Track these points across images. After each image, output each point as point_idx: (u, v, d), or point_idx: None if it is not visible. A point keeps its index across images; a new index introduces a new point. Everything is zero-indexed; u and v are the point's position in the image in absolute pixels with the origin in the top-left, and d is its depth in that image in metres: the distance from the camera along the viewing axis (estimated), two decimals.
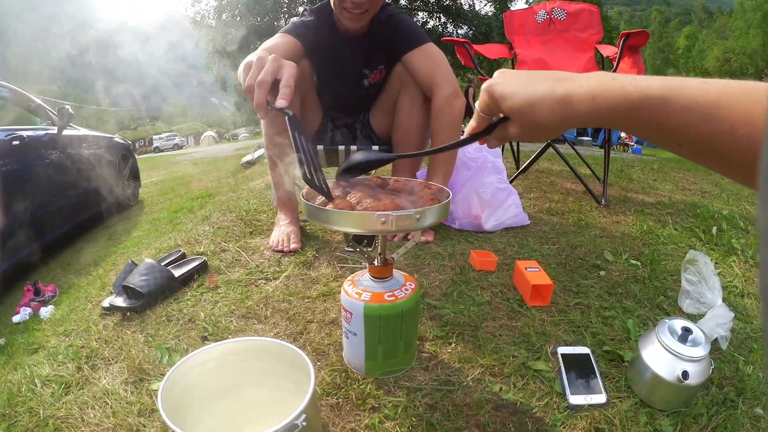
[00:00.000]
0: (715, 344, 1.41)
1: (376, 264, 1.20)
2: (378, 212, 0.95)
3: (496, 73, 0.80)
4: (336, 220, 0.99)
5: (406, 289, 1.20)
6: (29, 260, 3.85)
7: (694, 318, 1.55)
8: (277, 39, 1.99)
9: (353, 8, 1.99)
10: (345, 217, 0.97)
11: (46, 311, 2.85)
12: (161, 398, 0.89)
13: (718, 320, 1.44)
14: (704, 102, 0.59)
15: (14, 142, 3.89)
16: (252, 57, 1.23)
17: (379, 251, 1.19)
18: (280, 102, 1.04)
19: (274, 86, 1.06)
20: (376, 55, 2.23)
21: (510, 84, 0.76)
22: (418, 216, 0.97)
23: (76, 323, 1.79)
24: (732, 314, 1.47)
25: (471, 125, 0.87)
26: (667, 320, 1.21)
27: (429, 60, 2.10)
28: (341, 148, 2.23)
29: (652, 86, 0.63)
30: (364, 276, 1.24)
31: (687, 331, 1.17)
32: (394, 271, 1.25)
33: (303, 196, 1.11)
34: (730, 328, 1.44)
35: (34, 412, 1.26)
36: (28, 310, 3.03)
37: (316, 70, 2.18)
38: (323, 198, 1.06)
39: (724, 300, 1.56)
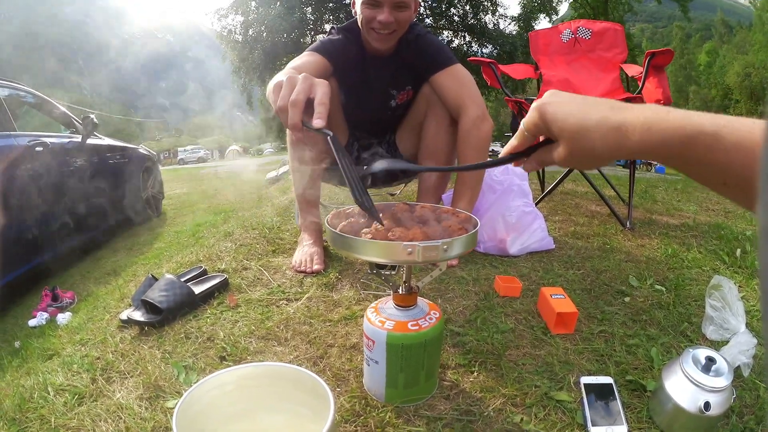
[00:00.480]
0: (737, 371, 1.37)
1: (400, 292, 1.18)
2: (404, 243, 0.94)
3: (549, 93, 0.78)
4: (361, 249, 0.97)
5: (431, 318, 1.18)
6: (48, 265, 3.89)
7: (718, 345, 1.52)
8: (305, 57, 1.99)
9: (381, 29, 1.99)
10: (370, 246, 0.96)
11: (63, 318, 2.87)
12: (177, 418, 0.88)
13: (741, 347, 1.41)
14: (750, 141, 0.57)
15: (37, 148, 3.93)
16: (281, 77, 1.22)
17: (404, 279, 1.17)
18: (318, 122, 1.01)
19: (308, 105, 1.03)
20: (404, 75, 2.23)
21: (563, 106, 0.74)
22: (445, 247, 0.95)
23: (92, 333, 1.79)
24: (755, 341, 1.44)
25: (512, 144, 0.84)
26: (691, 350, 1.18)
27: (457, 81, 2.09)
28: (366, 168, 2.22)
29: (704, 122, 0.61)
30: (388, 303, 1.21)
31: (711, 360, 1.14)
32: (419, 298, 1.22)
33: (328, 223, 1.09)
34: (752, 355, 1.41)
35: (46, 420, 1.26)
36: (45, 315, 3.05)
37: (343, 89, 2.17)
38: (345, 224, 1.04)
39: (747, 325, 1.53)
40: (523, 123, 0.80)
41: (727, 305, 1.57)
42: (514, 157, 0.85)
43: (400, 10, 1.98)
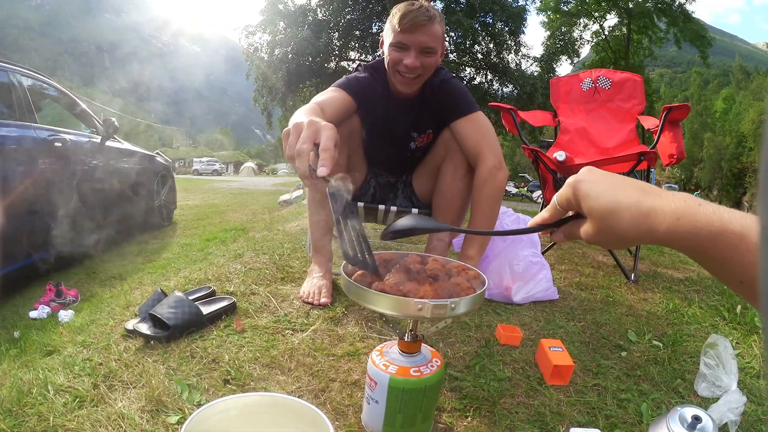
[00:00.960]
0: (724, 428, 1.40)
1: (405, 339, 1.22)
2: (415, 299, 0.98)
3: (584, 170, 0.79)
4: (374, 301, 1.01)
5: (432, 366, 1.22)
6: (54, 261, 3.90)
7: (708, 402, 1.55)
8: (330, 93, 2.02)
9: (406, 72, 2.02)
10: (383, 299, 1.00)
11: (65, 315, 2.89)
12: None
13: (730, 405, 1.44)
14: None
15: (56, 144, 3.98)
16: (296, 118, 1.25)
17: (410, 328, 1.21)
18: (321, 170, 1.02)
19: (318, 150, 1.05)
20: (426, 119, 2.25)
21: (596, 184, 0.75)
22: (453, 305, 0.99)
23: (95, 337, 1.80)
24: (744, 399, 1.47)
25: (542, 215, 0.86)
26: (679, 408, 1.21)
27: (477, 130, 2.12)
28: (381, 207, 2.26)
29: (732, 220, 0.62)
30: (393, 348, 1.25)
31: (696, 419, 1.17)
32: (422, 345, 1.26)
33: (343, 270, 1.13)
34: (741, 413, 1.43)
35: (44, 418, 1.27)
36: (47, 309, 3.09)
37: (365, 127, 2.20)
38: (360, 273, 1.08)
39: (739, 383, 1.56)
40: (556, 197, 0.82)
41: (721, 363, 1.61)
42: (542, 228, 0.87)
43: (427, 55, 2.01)
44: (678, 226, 0.66)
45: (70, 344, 1.79)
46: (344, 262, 1.17)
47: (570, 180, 0.79)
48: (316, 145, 1.05)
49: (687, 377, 1.72)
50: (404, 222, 0.97)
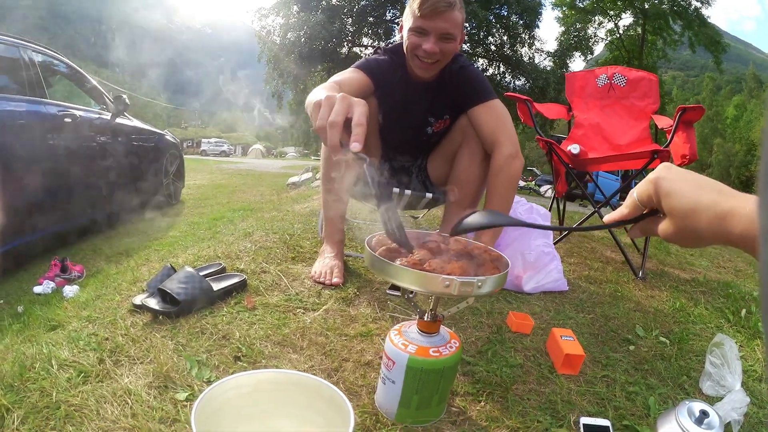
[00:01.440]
0: (727, 427, 1.40)
1: (426, 319, 1.21)
2: (443, 275, 0.97)
3: (662, 167, 0.79)
4: (401, 277, 1.00)
5: (451, 347, 1.21)
6: (59, 237, 3.93)
7: (712, 400, 1.56)
8: (349, 73, 2.02)
9: (425, 57, 2.02)
10: (410, 275, 0.99)
11: (70, 290, 2.91)
12: (195, 414, 0.90)
13: (734, 404, 1.45)
14: None
15: (66, 119, 3.98)
16: (321, 93, 1.24)
17: (431, 307, 1.20)
18: (354, 145, 1.00)
19: (346, 125, 1.03)
20: (443, 104, 2.25)
21: (677, 183, 0.75)
22: (480, 283, 0.99)
23: (101, 312, 1.77)
24: (748, 399, 1.47)
25: (621, 211, 0.85)
26: (687, 402, 1.23)
27: (494, 117, 2.12)
28: (395, 190, 2.25)
29: None
30: (411, 328, 1.25)
31: (704, 414, 1.19)
32: (441, 326, 1.26)
33: (369, 245, 1.12)
34: (744, 413, 1.44)
35: (46, 393, 1.25)
36: (51, 284, 3.09)
37: (382, 110, 2.18)
38: (383, 249, 1.07)
39: (743, 384, 1.57)
40: (636, 193, 0.81)
41: (726, 363, 1.61)
42: (621, 224, 0.86)
43: (446, 41, 2.01)
44: (752, 230, 0.65)
45: (75, 319, 1.77)
46: (368, 237, 1.16)
47: (651, 176, 0.78)
48: (347, 120, 1.03)
49: (692, 375, 1.73)
50: (477, 218, 0.95)
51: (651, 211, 0.81)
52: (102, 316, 1.73)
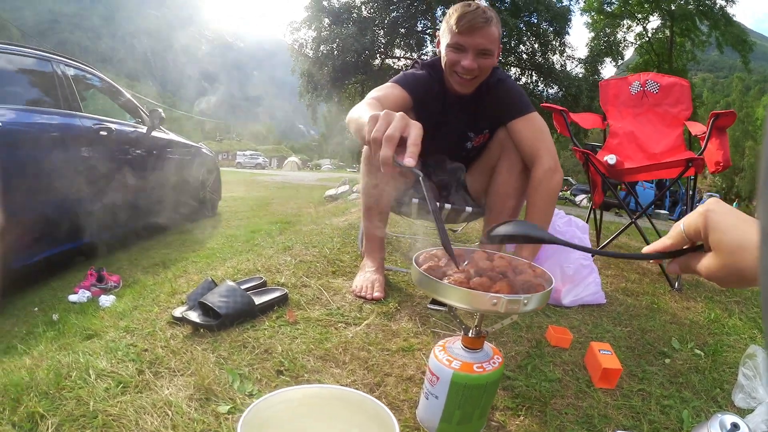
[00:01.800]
0: None
1: (470, 335, 1.23)
2: (490, 294, 0.99)
3: (713, 201, 0.76)
4: (449, 295, 1.02)
5: (494, 363, 1.22)
6: (96, 247, 3.96)
7: (744, 413, 1.56)
8: (388, 89, 2.02)
9: (464, 73, 2.03)
10: (458, 293, 1.01)
11: (106, 300, 2.91)
12: (242, 427, 0.92)
13: (764, 416, 1.45)
14: None
15: (101, 132, 4.04)
16: (364, 111, 1.25)
17: (476, 324, 1.22)
18: (409, 161, 1.02)
19: (399, 143, 1.05)
20: (482, 119, 2.26)
21: (726, 216, 0.72)
22: (526, 301, 1.00)
23: (139, 323, 1.79)
24: None
25: (664, 242, 0.83)
26: (719, 415, 1.22)
27: (533, 130, 2.13)
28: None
29: None
30: (455, 344, 1.26)
31: (735, 426, 1.18)
32: (485, 342, 1.27)
33: (416, 262, 1.14)
34: None
35: (83, 402, 1.26)
36: (87, 293, 3.10)
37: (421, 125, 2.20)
38: (426, 266, 1.09)
39: None
40: (684, 225, 0.79)
41: (758, 375, 1.62)
42: (661, 256, 0.84)
43: (485, 57, 2.01)
44: None
45: (112, 329, 1.79)
46: (415, 254, 1.18)
47: (701, 209, 0.75)
48: (402, 138, 1.05)
49: (725, 387, 1.73)
50: (509, 228, 0.96)
51: (693, 246, 0.79)
52: (140, 327, 1.75)
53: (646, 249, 0.85)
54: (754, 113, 55.69)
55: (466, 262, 1.21)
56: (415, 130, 1.05)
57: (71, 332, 1.98)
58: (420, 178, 1.06)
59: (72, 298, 3.07)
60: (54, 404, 1.25)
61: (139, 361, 1.49)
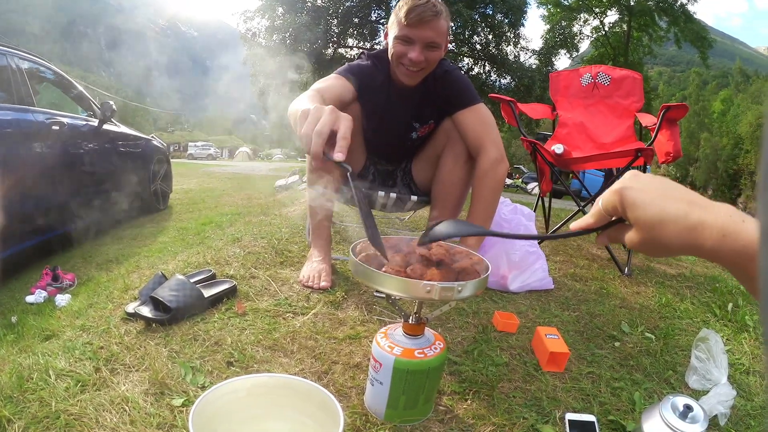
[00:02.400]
0: (714, 420, 1.44)
1: (410, 322, 1.25)
2: (424, 282, 1.01)
3: (629, 175, 0.77)
4: (384, 283, 1.04)
5: (435, 348, 1.25)
6: (50, 245, 3.91)
7: (698, 394, 1.59)
8: (331, 80, 2.03)
9: (411, 66, 2.04)
10: (393, 281, 1.03)
11: (62, 299, 2.88)
12: (193, 419, 0.93)
13: (720, 398, 1.48)
14: None
15: (54, 127, 3.97)
16: (304, 104, 1.27)
17: (415, 311, 1.24)
18: (338, 155, 1.05)
19: (330, 137, 1.07)
20: (428, 109, 2.27)
21: (644, 194, 0.73)
22: (460, 288, 1.02)
23: (95, 321, 1.80)
24: (734, 392, 1.51)
25: (587, 220, 0.84)
26: (671, 396, 1.25)
27: (480, 121, 2.15)
28: (380, 193, 2.28)
29: None
30: (397, 330, 1.28)
31: (688, 408, 1.21)
32: (426, 328, 1.29)
33: (353, 252, 1.16)
34: (731, 406, 1.48)
35: (45, 403, 1.27)
36: (44, 293, 3.07)
37: (365, 115, 2.20)
38: (364, 256, 1.10)
39: (729, 377, 1.61)
40: (602, 202, 0.80)
41: (711, 357, 1.65)
42: (587, 232, 0.85)
43: (432, 49, 2.02)
44: (723, 243, 0.65)
45: (69, 328, 1.79)
46: (352, 245, 1.20)
47: (616, 186, 0.77)
48: (333, 132, 1.07)
49: (678, 369, 1.77)
50: (445, 229, 0.97)
51: (618, 219, 0.81)
52: (96, 325, 1.75)
53: (573, 226, 0.87)
54: (710, 107, 56.94)
55: (404, 251, 1.23)
56: (344, 124, 1.08)
57: (30, 334, 1.97)
58: (348, 174, 1.09)
59: (29, 299, 3.05)
60: (18, 408, 1.26)
61: (95, 358, 1.50)
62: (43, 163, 3.75)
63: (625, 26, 27.80)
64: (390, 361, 1.20)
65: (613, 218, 0.81)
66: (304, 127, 1.08)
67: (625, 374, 1.69)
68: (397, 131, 2.32)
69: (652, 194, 0.72)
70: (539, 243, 3.03)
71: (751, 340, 2.10)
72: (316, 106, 1.10)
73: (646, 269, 3.10)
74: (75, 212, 4.22)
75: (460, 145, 2.19)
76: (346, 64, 2.19)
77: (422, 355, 1.21)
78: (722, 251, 0.65)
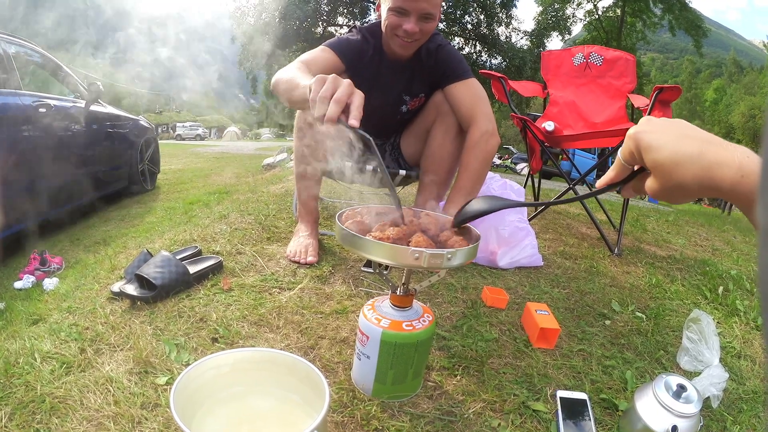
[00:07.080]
0: (706, 402, 1.44)
1: (398, 293, 1.22)
2: (412, 248, 0.98)
3: (643, 120, 0.76)
4: (372, 250, 1.01)
5: (424, 321, 1.22)
6: (38, 228, 3.86)
7: (690, 375, 1.58)
8: (318, 53, 2.01)
9: (405, 37, 2.00)
10: (379, 248, 1.00)
11: (50, 283, 2.88)
12: (174, 396, 0.91)
13: (713, 379, 1.47)
14: None
15: (41, 109, 3.92)
16: (293, 73, 1.24)
17: (403, 281, 1.21)
18: (353, 122, 1.07)
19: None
20: (419, 82, 2.24)
21: (658, 135, 0.72)
22: (449, 256, 1.00)
23: (81, 302, 1.78)
24: (726, 375, 1.50)
25: (609, 175, 0.83)
26: (664, 375, 1.25)
27: (471, 94, 2.12)
28: (369, 167, 2.24)
29: None
30: (384, 302, 1.26)
31: (682, 388, 1.21)
32: (414, 301, 1.27)
33: (339, 220, 1.13)
34: (723, 388, 1.47)
35: (31, 387, 1.26)
36: (32, 278, 3.07)
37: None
38: (351, 223, 1.09)
39: (721, 360, 1.60)
40: (620, 152, 0.79)
41: (703, 339, 1.64)
42: (611, 188, 0.84)
43: (427, 21, 1.99)
44: (741, 183, 0.63)
45: (55, 311, 1.78)
46: (338, 213, 1.17)
47: (631, 132, 0.75)
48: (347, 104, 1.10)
49: (669, 350, 1.76)
50: (478, 205, 0.97)
51: (640, 169, 0.79)
52: (82, 306, 1.74)
53: (599, 183, 0.86)
54: (703, 95, 57.24)
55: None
56: (359, 98, 1.10)
57: (18, 319, 1.95)
58: (371, 141, 1.11)
59: (17, 285, 3.03)
60: (5, 392, 1.25)
61: (80, 339, 1.49)
62: (30, 146, 3.71)
63: (618, 11, 27.71)
64: (377, 333, 1.18)
65: (635, 168, 0.80)
66: (323, 91, 1.09)
67: (616, 353, 1.68)
68: (387, 105, 2.29)
69: (667, 136, 0.71)
70: (538, 212, 3.02)
71: (742, 324, 2.10)
72: (333, 76, 1.12)
73: (636, 250, 3.10)
74: (61, 195, 4.19)
75: (450, 118, 2.17)
76: (335, 37, 2.15)
77: (410, 328, 1.19)
78: (741, 192, 0.63)
